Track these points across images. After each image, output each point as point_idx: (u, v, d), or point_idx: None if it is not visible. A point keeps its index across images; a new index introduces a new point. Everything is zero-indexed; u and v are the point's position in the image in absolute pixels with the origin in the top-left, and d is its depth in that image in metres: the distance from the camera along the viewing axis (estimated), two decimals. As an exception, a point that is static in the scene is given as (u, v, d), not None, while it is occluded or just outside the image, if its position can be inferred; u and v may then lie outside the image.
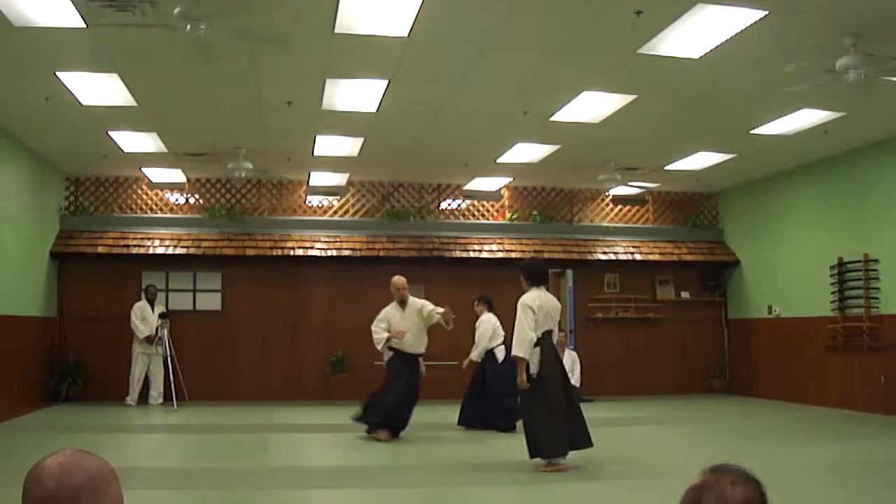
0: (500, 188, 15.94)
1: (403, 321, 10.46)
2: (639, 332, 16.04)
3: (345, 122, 11.17)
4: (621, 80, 9.38)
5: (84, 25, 7.47)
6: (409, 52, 8.36)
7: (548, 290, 8.22)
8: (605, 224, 16.36)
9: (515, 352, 7.77)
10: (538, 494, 7.07)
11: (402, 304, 10.64)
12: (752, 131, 11.57)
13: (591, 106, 10.35)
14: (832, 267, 13.10)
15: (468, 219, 15.99)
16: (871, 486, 7.14)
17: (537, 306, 7.83)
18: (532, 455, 7.83)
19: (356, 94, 9.93)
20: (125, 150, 12.55)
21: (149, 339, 13.59)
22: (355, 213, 15.59)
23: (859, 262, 12.66)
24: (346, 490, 7.21)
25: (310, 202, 15.58)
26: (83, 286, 14.29)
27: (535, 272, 8.15)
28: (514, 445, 8.76)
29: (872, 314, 12.39)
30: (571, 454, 7.87)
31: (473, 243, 15.52)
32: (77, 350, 13.91)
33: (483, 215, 16.07)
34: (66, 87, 9.40)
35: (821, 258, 13.35)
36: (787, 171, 14.38)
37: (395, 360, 10.43)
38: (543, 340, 7.81)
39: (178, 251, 14.43)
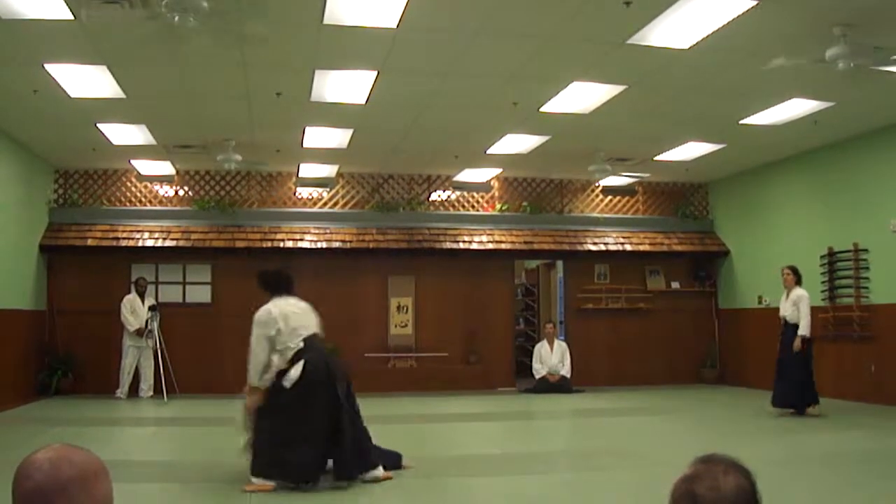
0: (490, 179, 15.93)
1: None
2: (629, 323, 16.07)
3: (334, 114, 11.15)
4: (611, 70, 9.38)
5: (72, 17, 7.43)
6: (397, 43, 8.35)
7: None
8: (595, 215, 16.39)
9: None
10: (525, 485, 7.07)
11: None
12: (742, 121, 11.59)
13: (581, 96, 10.35)
14: (822, 257, 13.14)
15: (458, 210, 15.98)
16: (862, 476, 7.16)
17: (273, 318, 7.00)
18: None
19: (345, 86, 9.91)
20: (114, 142, 12.50)
21: (139, 332, 13.56)
22: (345, 204, 15.57)
23: (849, 251, 12.69)
24: (335, 482, 7.20)
25: (299, 194, 15.54)
26: (73, 279, 14.25)
27: (277, 281, 7.33)
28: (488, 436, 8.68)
29: (862, 304, 12.43)
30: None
31: (463, 234, 15.52)
32: (67, 343, 13.88)
33: (473, 206, 16.06)
34: (54, 79, 9.36)
35: (811, 248, 13.38)
36: (777, 161, 14.41)
37: None
38: (308, 347, 6.96)
39: (168, 244, 14.40)
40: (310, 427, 6.66)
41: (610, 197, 16.57)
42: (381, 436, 9.81)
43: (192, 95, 10.38)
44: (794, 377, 10.82)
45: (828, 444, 8.94)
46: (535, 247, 15.70)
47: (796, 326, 10.86)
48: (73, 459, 1.75)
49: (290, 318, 6.97)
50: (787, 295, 11.15)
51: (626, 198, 16.62)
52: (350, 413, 6.89)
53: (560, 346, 15.10)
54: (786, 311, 11.07)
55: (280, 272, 7.45)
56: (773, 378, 10.99)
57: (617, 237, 16.09)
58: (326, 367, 6.88)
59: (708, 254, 16.39)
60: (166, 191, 15.13)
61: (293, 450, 6.59)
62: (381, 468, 6.94)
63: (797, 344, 10.75)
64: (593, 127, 11.80)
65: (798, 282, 11.16)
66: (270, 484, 6.64)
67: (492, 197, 16.12)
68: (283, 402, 6.73)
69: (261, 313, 7.00)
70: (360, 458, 6.85)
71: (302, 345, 6.88)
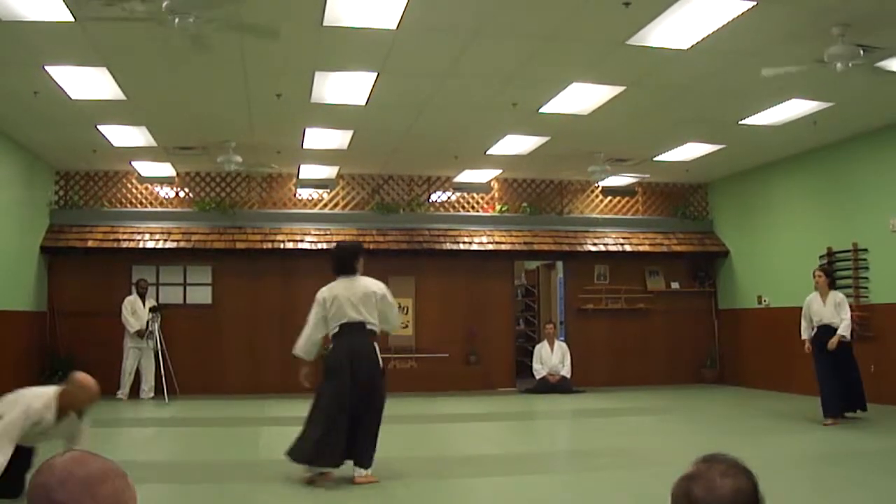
0: (490, 180, 15.95)
1: None
2: (629, 323, 16.08)
3: (334, 115, 11.16)
4: (610, 71, 9.39)
5: (72, 19, 7.45)
6: (397, 44, 8.36)
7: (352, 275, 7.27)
8: (595, 215, 16.41)
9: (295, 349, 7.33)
10: (525, 485, 7.08)
11: None
12: (741, 122, 11.60)
13: (580, 97, 10.36)
14: (821, 256, 13.14)
15: (458, 211, 15.99)
16: (863, 475, 7.18)
17: (325, 298, 7.18)
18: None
19: (345, 87, 9.92)
20: (115, 144, 12.51)
21: (140, 334, 13.57)
22: (345, 205, 15.59)
23: (848, 251, 12.71)
24: (337, 483, 7.21)
25: (300, 195, 15.56)
26: (74, 281, 14.27)
27: (334, 261, 7.40)
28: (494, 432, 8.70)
29: (862, 303, 12.44)
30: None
31: (463, 235, 15.53)
32: (68, 344, 13.88)
33: (473, 207, 16.08)
34: (54, 81, 9.38)
35: (810, 248, 13.39)
36: (777, 161, 14.42)
37: None
38: (343, 332, 7.12)
39: (169, 245, 14.42)
40: (327, 413, 6.89)
41: (609, 197, 16.58)
42: (381, 437, 9.82)
43: (192, 97, 10.40)
44: (851, 377, 10.26)
45: (828, 443, 8.96)
46: (535, 247, 15.71)
47: (836, 330, 10.19)
48: (85, 462, 1.78)
49: (337, 301, 7.11)
50: (824, 298, 10.42)
51: (626, 198, 16.63)
52: (365, 404, 6.97)
53: (560, 346, 15.12)
54: (830, 316, 10.28)
55: (341, 254, 7.48)
56: (774, 379, 10.80)
57: (617, 238, 16.11)
58: (348, 355, 7.01)
59: (707, 254, 16.41)
60: (167, 192, 15.15)
61: (315, 434, 6.85)
62: (365, 471, 6.95)
63: (834, 342, 10.06)
64: (592, 128, 11.81)
65: (832, 284, 10.62)
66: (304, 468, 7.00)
67: (492, 198, 16.14)
68: (320, 387, 7.08)
69: (319, 292, 7.26)
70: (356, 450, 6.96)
71: (337, 330, 7.08)
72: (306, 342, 7.29)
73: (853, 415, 10.32)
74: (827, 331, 10.26)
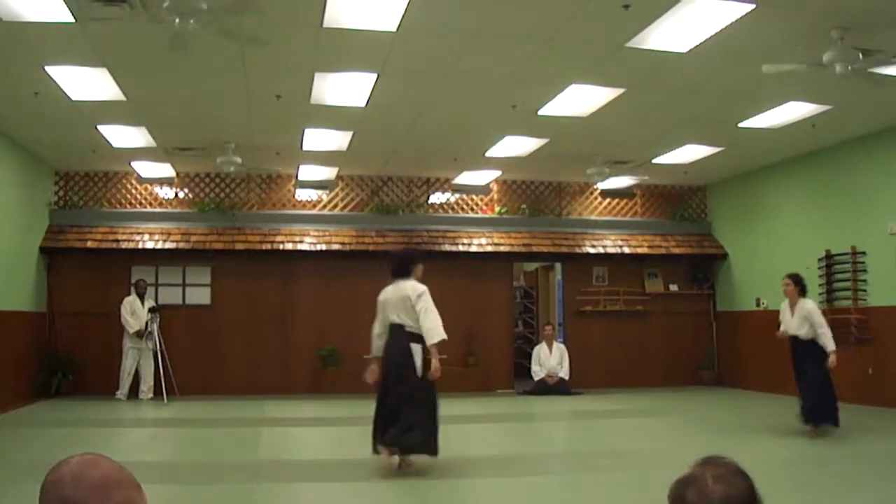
0: (489, 182, 15.96)
1: None
2: (627, 325, 16.09)
3: (334, 116, 11.17)
4: (609, 73, 9.41)
5: (73, 20, 7.46)
6: (397, 46, 8.38)
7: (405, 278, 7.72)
8: (594, 217, 16.42)
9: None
10: (524, 486, 7.10)
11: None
12: (740, 124, 11.62)
13: (580, 99, 10.37)
14: (820, 259, 13.17)
15: (457, 212, 16.00)
16: (860, 477, 7.20)
17: (379, 301, 7.79)
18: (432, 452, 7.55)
19: (345, 88, 9.93)
20: (114, 144, 12.52)
21: (139, 334, 13.58)
22: (344, 207, 15.60)
23: (847, 254, 12.73)
24: (337, 484, 7.23)
25: (299, 196, 15.57)
26: (73, 281, 14.27)
27: (390, 265, 7.95)
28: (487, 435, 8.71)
29: (860, 306, 12.46)
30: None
31: (462, 237, 15.54)
32: (67, 345, 13.90)
33: (472, 209, 16.09)
34: (54, 81, 9.39)
35: (809, 251, 13.41)
36: (775, 164, 14.45)
37: None
38: (389, 333, 7.64)
39: (168, 246, 14.43)
40: (378, 403, 7.51)
41: (608, 199, 16.60)
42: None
43: (192, 98, 10.41)
44: (824, 390, 9.39)
45: (826, 445, 8.96)
46: (534, 249, 15.72)
47: (809, 342, 9.45)
48: (98, 464, 1.79)
49: (384, 304, 7.69)
50: (793, 309, 9.67)
51: (625, 200, 16.64)
52: (393, 394, 7.45)
53: (559, 348, 15.14)
54: (798, 328, 9.56)
55: (397, 259, 8.02)
56: (772, 381, 10.70)
57: (615, 240, 16.12)
58: (385, 354, 7.60)
59: (706, 256, 16.43)
60: (166, 193, 15.16)
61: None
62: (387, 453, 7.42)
63: (833, 361, 9.27)
64: (591, 130, 11.82)
65: (802, 292, 9.69)
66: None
67: (491, 199, 16.15)
68: None
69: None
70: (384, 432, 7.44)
71: (388, 330, 7.62)
72: (372, 342, 7.83)
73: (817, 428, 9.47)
74: (797, 341, 9.63)
